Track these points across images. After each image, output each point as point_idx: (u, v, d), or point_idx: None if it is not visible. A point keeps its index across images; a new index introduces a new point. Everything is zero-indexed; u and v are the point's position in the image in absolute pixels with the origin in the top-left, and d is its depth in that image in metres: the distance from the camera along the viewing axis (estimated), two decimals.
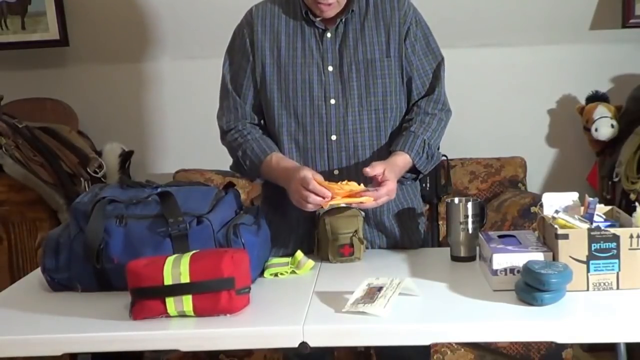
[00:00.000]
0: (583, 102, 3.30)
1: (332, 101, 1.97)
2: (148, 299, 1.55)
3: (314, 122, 1.98)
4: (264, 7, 2.04)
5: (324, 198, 1.80)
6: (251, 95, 2.03)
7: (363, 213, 1.96)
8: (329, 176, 1.95)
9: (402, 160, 1.94)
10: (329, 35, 1.98)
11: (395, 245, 2.05)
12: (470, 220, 1.87)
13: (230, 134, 2.03)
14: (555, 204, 1.77)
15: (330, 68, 1.98)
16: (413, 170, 2.00)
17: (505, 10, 3.26)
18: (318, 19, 1.97)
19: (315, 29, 1.99)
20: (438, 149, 2.04)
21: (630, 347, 1.62)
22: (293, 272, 1.85)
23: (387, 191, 1.84)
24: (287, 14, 2.01)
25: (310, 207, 1.83)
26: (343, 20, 1.98)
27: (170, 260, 1.56)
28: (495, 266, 1.63)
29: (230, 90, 2.04)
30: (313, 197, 1.80)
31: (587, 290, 1.60)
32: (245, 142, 1.99)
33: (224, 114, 2.05)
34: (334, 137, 1.98)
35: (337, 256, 1.91)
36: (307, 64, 1.98)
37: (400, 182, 2.03)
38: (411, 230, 2.07)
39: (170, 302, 1.54)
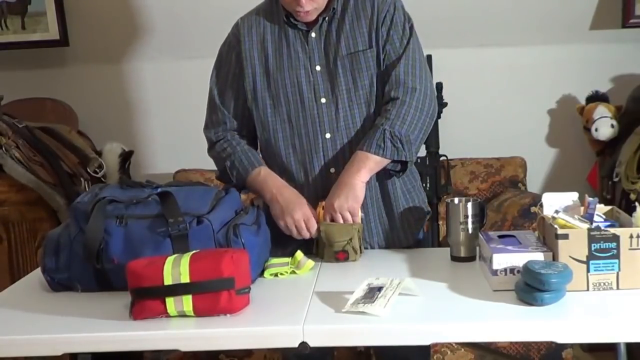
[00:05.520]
0: (583, 102, 3.30)
1: (323, 100, 1.98)
2: (148, 299, 1.55)
3: (307, 123, 1.99)
4: (249, 19, 2.06)
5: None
6: (240, 107, 2.05)
7: (362, 213, 1.96)
8: (326, 175, 1.98)
9: (358, 161, 1.92)
10: (313, 35, 2.00)
11: (393, 241, 2.05)
12: (470, 220, 1.87)
13: (219, 144, 2.06)
14: (555, 204, 1.76)
15: (318, 67, 1.99)
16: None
17: (505, 10, 3.26)
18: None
19: (298, 31, 2.00)
20: (420, 131, 1.96)
21: (630, 347, 1.61)
22: (293, 272, 1.85)
23: (328, 208, 1.92)
24: (271, 21, 2.03)
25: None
26: (326, 18, 1.99)
27: (170, 260, 1.56)
28: (495, 266, 1.63)
29: (217, 104, 2.07)
30: (304, 232, 1.94)
31: (587, 290, 1.60)
32: (235, 154, 2.02)
33: (213, 126, 2.08)
34: (328, 135, 1.99)
35: (333, 261, 1.93)
36: (295, 67, 1.99)
37: (387, 175, 2.02)
38: (411, 227, 2.07)
39: (170, 302, 1.54)
